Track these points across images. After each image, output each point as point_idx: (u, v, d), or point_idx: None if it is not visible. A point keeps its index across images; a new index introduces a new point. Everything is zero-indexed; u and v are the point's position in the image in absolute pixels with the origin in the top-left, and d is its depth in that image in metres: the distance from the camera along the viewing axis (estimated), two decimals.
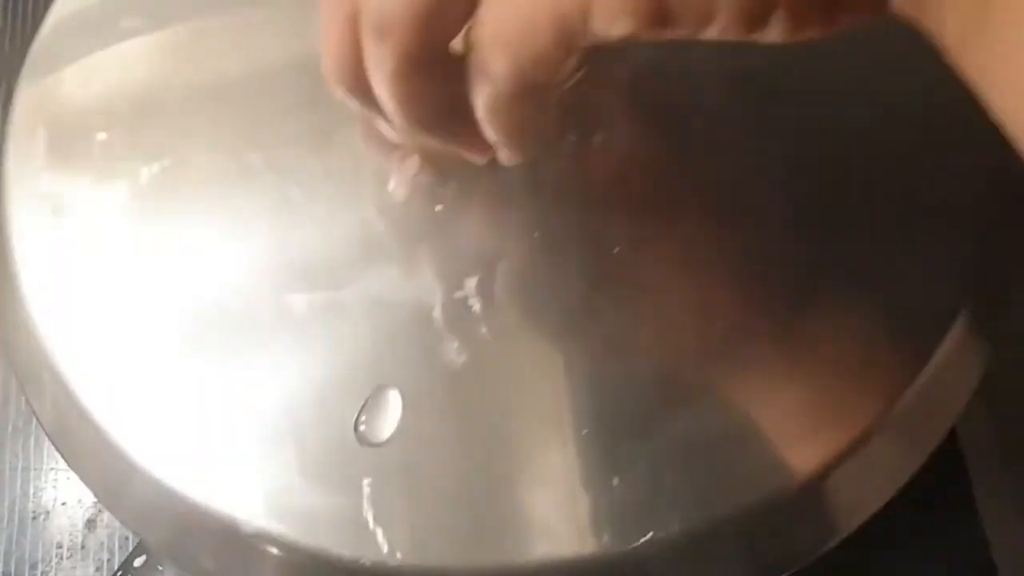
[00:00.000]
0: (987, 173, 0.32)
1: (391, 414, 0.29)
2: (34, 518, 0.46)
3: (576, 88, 0.29)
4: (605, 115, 0.32)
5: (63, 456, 0.33)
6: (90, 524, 0.46)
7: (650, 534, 0.27)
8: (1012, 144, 0.21)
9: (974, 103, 0.21)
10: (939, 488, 0.43)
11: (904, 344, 0.30)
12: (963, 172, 0.32)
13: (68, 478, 0.47)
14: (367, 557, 0.28)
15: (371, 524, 0.28)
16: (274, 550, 0.28)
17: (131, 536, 0.45)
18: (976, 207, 0.32)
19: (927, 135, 0.32)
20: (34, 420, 0.46)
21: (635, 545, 0.27)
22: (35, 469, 0.46)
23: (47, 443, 0.46)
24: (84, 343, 0.31)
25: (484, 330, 0.30)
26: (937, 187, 0.32)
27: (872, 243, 0.31)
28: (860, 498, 0.30)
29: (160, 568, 0.35)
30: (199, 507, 0.29)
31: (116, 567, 0.43)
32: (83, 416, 0.30)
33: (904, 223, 0.31)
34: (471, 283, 0.30)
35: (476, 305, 0.30)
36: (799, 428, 0.29)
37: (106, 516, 0.46)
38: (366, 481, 0.28)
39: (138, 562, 0.36)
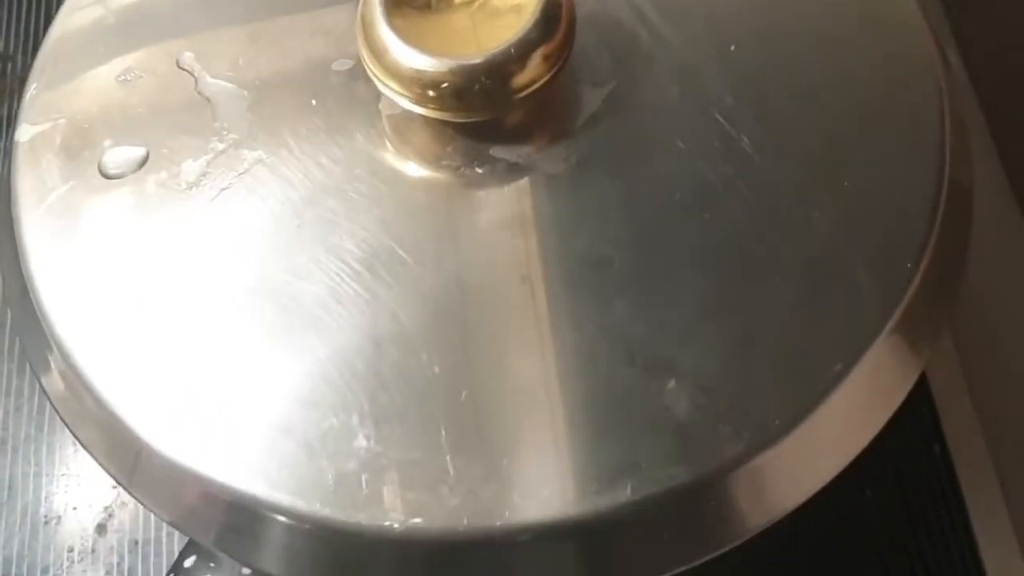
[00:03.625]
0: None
1: None
2: (46, 522, 0.46)
3: None
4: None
5: (77, 439, 0.33)
6: (101, 528, 0.46)
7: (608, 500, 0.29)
8: None
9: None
10: (932, 507, 0.45)
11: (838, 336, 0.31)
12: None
13: (79, 484, 0.47)
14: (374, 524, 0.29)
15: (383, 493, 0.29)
16: (289, 521, 0.30)
17: (141, 540, 0.46)
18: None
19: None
20: (46, 427, 0.48)
21: (591, 511, 0.29)
22: (47, 475, 0.47)
23: (59, 449, 0.48)
24: (96, 330, 0.32)
25: (482, 318, 0.31)
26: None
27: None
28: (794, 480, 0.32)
29: (212, 565, 0.36)
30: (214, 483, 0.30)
31: (126, 571, 0.43)
32: (97, 401, 0.31)
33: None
34: (470, 279, 0.32)
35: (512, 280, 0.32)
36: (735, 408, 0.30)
37: (116, 520, 0.46)
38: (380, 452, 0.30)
39: (188, 563, 0.37)
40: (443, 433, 0.30)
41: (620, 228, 0.32)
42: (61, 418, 0.34)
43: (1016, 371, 0.48)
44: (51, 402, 0.34)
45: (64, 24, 0.37)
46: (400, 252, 0.32)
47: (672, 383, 0.30)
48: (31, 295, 0.33)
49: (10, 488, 0.47)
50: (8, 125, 0.51)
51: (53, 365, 0.33)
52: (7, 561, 0.45)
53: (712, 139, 0.33)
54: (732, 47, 0.34)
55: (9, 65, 0.55)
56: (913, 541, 0.43)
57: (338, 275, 0.32)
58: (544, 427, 0.30)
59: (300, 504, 0.30)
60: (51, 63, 0.37)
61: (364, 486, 0.30)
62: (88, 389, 0.32)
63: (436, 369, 0.31)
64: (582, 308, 0.31)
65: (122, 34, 0.37)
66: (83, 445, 0.33)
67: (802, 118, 0.34)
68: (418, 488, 0.29)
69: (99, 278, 0.33)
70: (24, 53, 0.42)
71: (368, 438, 0.30)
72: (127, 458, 0.32)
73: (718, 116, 0.33)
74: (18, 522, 0.46)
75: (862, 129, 0.34)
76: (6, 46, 0.56)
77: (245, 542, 0.31)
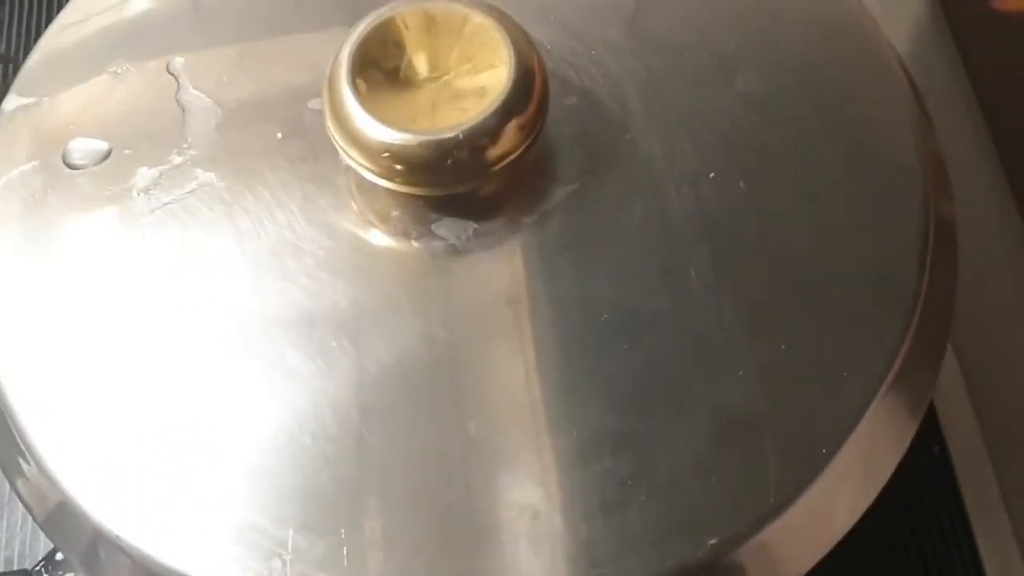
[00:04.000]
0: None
1: None
2: None
3: None
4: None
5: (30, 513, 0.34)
6: None
7: None
8: None
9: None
10: (932, 508, 0.44)
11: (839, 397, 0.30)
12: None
13: None
14: None
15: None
16: None
17: None
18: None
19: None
20: None
21: None
22: None
23: None
24: (45, 389, 0.31)
25: (416, 395, 0.30)
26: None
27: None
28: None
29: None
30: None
31: None
32: (51, 480, 0.31)
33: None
34: (409, 347, 0.31)
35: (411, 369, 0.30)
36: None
37: None
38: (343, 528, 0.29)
39: (60, 556, 0.37)
40: (300, 507, 0.29)
41: (535, 342, 0.30)
42: None
43: (1015, 374, 0.47)
44: None
45: (76, 7, 0.37)
46: (317, 316, 0.31)
47: (536, 515, 0.28)
48: None
49: (11, 488, 0.47)
50: None
51: None
52: (8, 562, 0.45)
53: (659, 267, 0.31)
54: (711, 174, 0.32)
55: (11, 67, 0.55)
56: (913, 541, 0.43)
57: (244, 330, 0.31)
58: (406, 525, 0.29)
59: None
60: (54, 41, 0.37)
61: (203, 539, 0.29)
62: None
63: (308, 439, 0.30)
64: (473, 412, 0.30)
65: (126, 28, 0.36)
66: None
67: (762, 266, 0.31)
68: (256, 557, 0.29)
69: (29, 271, 0.33)
70: (25, 54, 0.42)
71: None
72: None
73: (673, 245, 0.31)
74: (19, 523, 0.45)
75: (824, 288, 0.31)
76: (7, 47, 0.57)
77: None
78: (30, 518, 0.44)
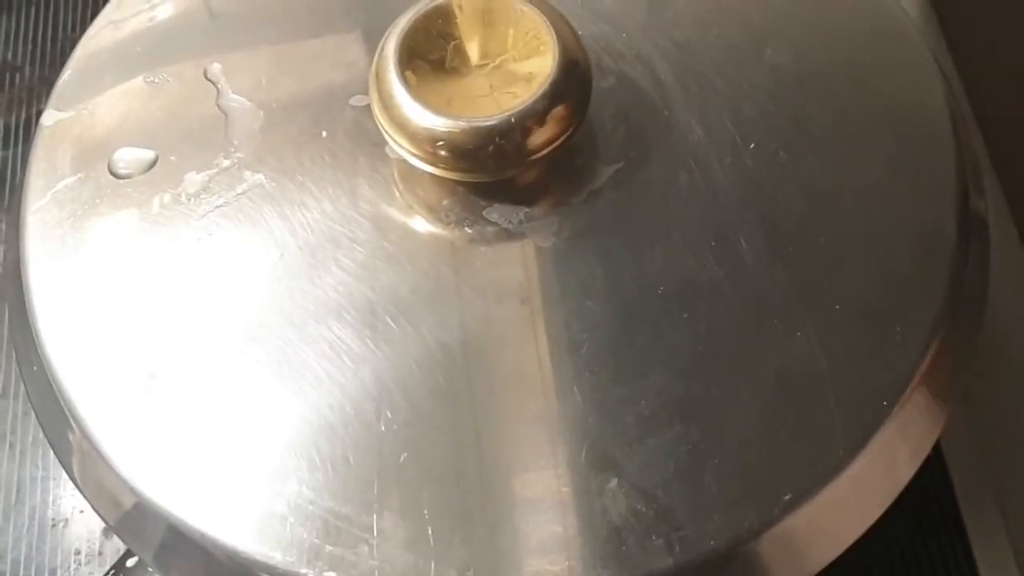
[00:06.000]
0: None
1: None
2: (53, 525, 0.46)
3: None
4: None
5: (67, 472, 0.34)
6: (107, 531, 0.46)
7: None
8: None
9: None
10: (927, 509, 0.45)
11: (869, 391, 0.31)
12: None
13: None
14: None
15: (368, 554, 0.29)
16: None
17: None
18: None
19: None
20: None
21: None
22: (54, 479, 0.47)
23: None
24: (95, 373, 0.32)
25: (482, 374, 0.31)
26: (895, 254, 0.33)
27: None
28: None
29: (151, 569, 0.36)
30: (200, 533, 0.30)
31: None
32: (94, 446, 0.31)
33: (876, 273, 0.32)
34: (471, 328, 0.31)
35: (475, 350, 0.31)
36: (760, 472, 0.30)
37: None
38: (367, 513, 0.29)
39: (131, 562, 0.37)
40: (380, 492, 0.30)
41: (596, 313, 0.31)
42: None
43: (1012, 379, 0.47)
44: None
45: (108, 18, 0.38)
46: (376, 303, 0.32)
47: (613, 483, 0.29)
48: (23, 283, 0.34)
49: (18, 491, 0.47)
50: (17, 133, 0.52)
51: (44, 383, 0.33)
52: (15, 563, 0.45)
53: (709, 237, 0.32)
54: (752, 144, 0.33)
55: (17, 75, 0.55)
56: (909, 547, 0.44)
57: (306, 320, 0.32)
58: (483, 507, 0.29)
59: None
60: (88, 53, 0.37)
61: (288, 529, 0.29)
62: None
63: (383, 427, 0.30)
64: (539, 390, 0.31)
65: (159, 37, 0.37)
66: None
67: (808, 228, 0.32)
68: (340, 543, 0.29)
69: (87, 279, 0.33)
70: (32, 63, 0.42)
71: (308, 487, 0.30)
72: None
73: (721, 214, 0.32)
74: (26, 525, 0.46)
75: (870, 247, 0.32)
76: (14, 56, 0.56)
77: None
78: (37, 520, 0.45)
